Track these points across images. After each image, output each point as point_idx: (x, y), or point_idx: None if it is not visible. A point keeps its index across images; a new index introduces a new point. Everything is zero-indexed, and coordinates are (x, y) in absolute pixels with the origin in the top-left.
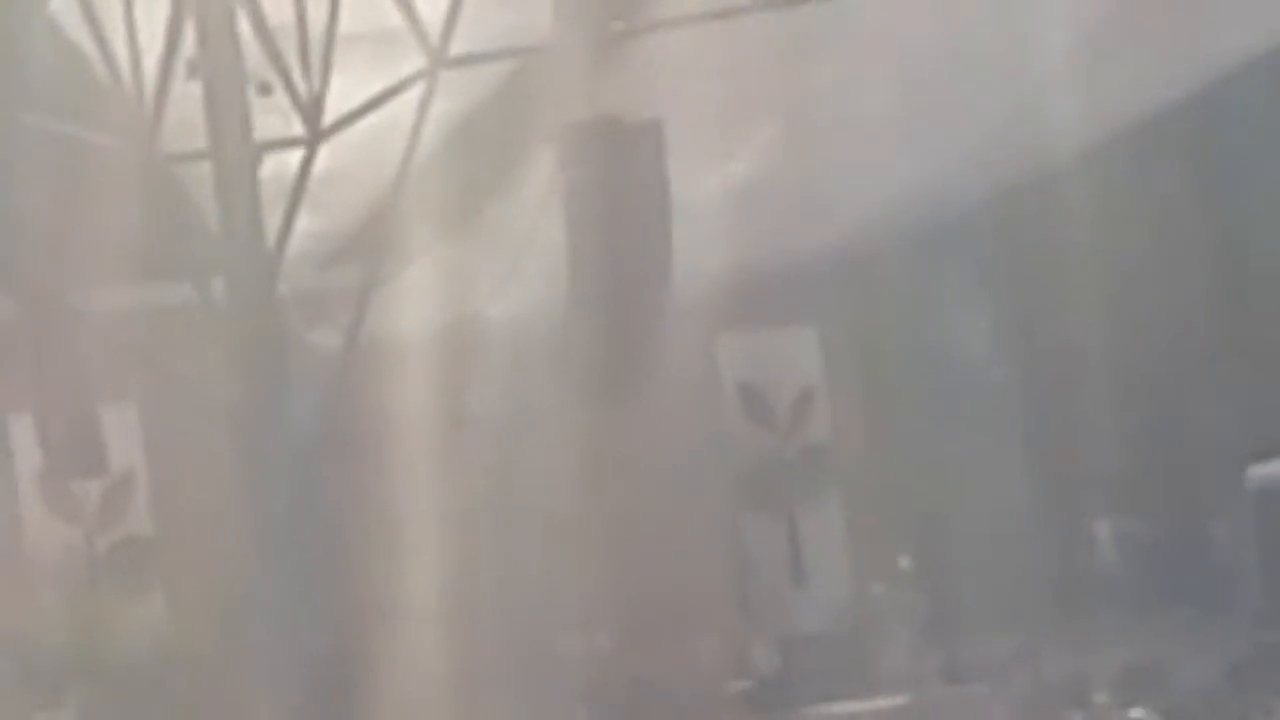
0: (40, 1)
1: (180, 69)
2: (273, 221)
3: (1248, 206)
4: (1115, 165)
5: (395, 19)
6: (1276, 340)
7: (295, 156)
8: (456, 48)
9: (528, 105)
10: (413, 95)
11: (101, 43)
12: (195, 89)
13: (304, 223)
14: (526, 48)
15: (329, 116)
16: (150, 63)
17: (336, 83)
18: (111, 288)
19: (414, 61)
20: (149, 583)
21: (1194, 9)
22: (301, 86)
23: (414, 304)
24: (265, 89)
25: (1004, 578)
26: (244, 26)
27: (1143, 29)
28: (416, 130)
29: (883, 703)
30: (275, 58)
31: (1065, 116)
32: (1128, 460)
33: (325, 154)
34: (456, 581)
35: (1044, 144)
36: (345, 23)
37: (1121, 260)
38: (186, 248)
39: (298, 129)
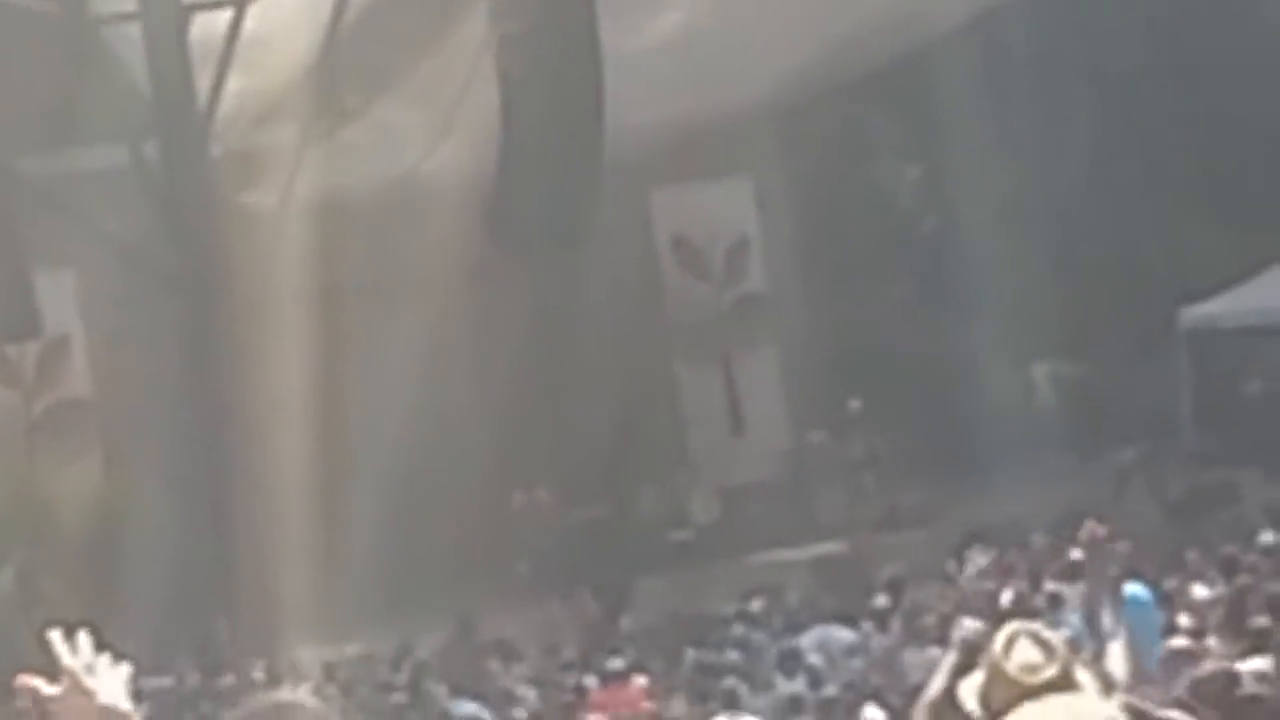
0: None
1: None
2: (203, 83)
3: (1182, 49)
4: (1050, 9)
5: None
6: (1207, 182)
7: (224, 16)
8: None
9: None
10: None
11: None
12: None
13: (234, 83)
14: None
15: None
16: None
17: None
18: (43, 152)
19: None
20: (87, 444)
21: None
22: None
23: (348, 163)
24: None
25: (941, 424)
26: None
27: None
28: None
29: (822, 549)
30: None
31: None
32: (1062, 304)
33: (254, 14)
34: (393, 437)
35: None
36: None
37: (1052, 103)
38: (118, 110)
39: None
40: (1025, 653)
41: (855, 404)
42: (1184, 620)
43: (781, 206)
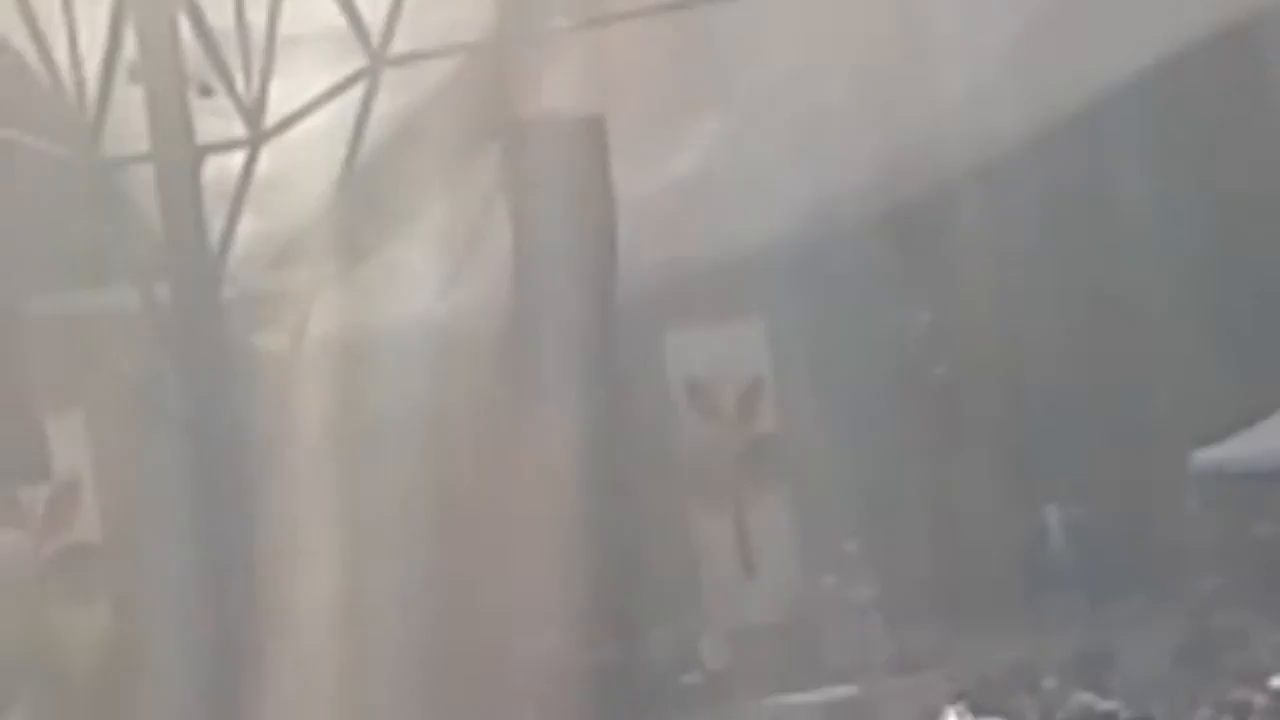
0: None
1: (121, 72)
2: (216, 224)
3: (1191, 195)
4: (1059, 155)
5: (336, 19)
6: (1219, 325)
7: (238, 158)
8: (398, 46)
9: (470, 102)
10: (355, 95)
11: (42, 47)
12: (137, 93)
13: (248, 225)
14: (468, 44)
15: (271, 118)
16: (91, 67)
17: (278, 84)
18: (54, 293)
19: (355, 61)
20: (96, 589)
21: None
22: (243, 88)
23: (361, 304)
24: (206, 91)
25: (952, 566)
26: (185, 29)
27: (1081, 21)
28: (359, 130)
29: (833, 693)
30: (216, 60)
31: (1010, 106)
32: (1072, 447)
33: (268, 155)
34: (405, 580)
35: (989, 134)
36: (286, 24)
37: (1065, 249)
38: (130, 251)
39: (240, 131)
40: None
41: (864, 545)
42: None
43: (794, 349)
